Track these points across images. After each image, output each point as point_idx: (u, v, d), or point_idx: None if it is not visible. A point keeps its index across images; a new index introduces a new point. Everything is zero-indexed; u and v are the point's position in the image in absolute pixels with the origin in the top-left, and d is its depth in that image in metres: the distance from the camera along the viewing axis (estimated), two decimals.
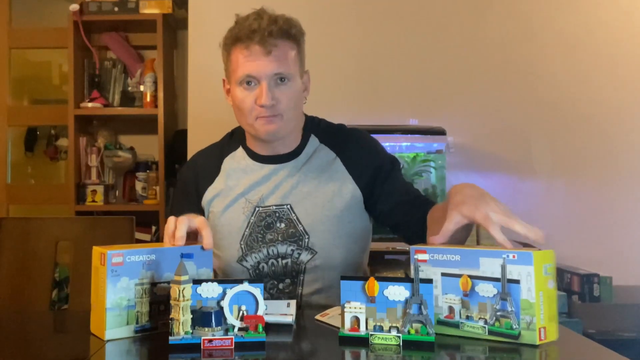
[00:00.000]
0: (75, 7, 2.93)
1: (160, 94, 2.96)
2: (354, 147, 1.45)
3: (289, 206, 1.39)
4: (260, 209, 1.40)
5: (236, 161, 1.46)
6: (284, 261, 1.39)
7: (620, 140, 2.85)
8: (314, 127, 1.47)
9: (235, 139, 1.50)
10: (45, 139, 3.40)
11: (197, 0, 2.98)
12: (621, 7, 2.89)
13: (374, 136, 1.52)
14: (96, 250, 1.04)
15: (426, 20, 2.91)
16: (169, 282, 1.02)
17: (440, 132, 2.59)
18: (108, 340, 1.00)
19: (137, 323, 1.03)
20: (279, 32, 1.30)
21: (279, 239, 1.38)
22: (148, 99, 2.98)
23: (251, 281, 0.98)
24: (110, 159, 3.03)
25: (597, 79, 2.86)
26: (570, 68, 2.87)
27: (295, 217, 1.38)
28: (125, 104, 3.07)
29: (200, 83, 2.95)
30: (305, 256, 1.38)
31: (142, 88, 3.03)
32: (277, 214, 1.39)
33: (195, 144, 2.87)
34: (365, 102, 2.85)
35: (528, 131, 2.88)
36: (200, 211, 1.45)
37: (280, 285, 1.40)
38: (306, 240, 1.37)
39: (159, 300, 1.05)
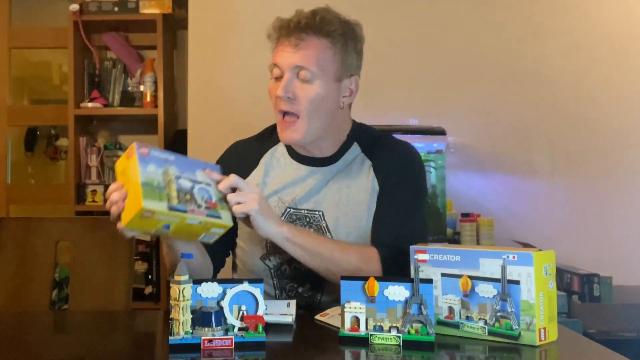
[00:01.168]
0: (75, 7, 2.92)
1: (160, 94, 2.96)
2: (388, 156, 1.39)
3: (320, 213, 1.35)
4: (292, 210, 1.36)
5: (275, 158, 1.42)
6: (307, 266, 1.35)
7: (620, 141, 2.85)
8: (360, 134, 1.42)
9: (276, 134, 1.42)
10: (45, 139, 3.39)
11: (197, 0, 2.97)
12: (622, 7, 2.89)
13: None
14: (121, 158, 1.08)
15: (426, 20, 2.91)
16: (190, 179, 1.09)
17: (440, 132, 2.59)
18: (145, 210, 1.00)
19: (169, 202, 1.04)
20: (309, 26, 1.28)
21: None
22: (148, 99, 2.97)
23: (251, 281, 0.98)
24: (110, 159, 3.03)
25: (598, 79, 2.86)
26: (570, 68, 2.87)
27: (325, 225, 1.34)
28: (125, 104, 3.07)
29: (200, 83, 2.94)
30: None
31: (142, 88, 3.02)
32: (307, 219, 1.35)
33: (195, 144, 2.87)
34: (366, 102, 2.83)
35: (528, 131, 2.88)
36: None
37: (300, 289, 1.37)
38: None
39: (185, 190, 1.07)
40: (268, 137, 1.46)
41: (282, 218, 1.35)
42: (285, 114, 1.31)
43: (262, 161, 1.42)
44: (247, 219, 1.17)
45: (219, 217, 1.11)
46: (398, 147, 1.42)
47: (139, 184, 1.01)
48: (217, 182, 1.15)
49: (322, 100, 1.31)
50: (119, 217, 1.05)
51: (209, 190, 1.13)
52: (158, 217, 1.02)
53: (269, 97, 1.36)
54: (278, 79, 1.31)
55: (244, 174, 1.40)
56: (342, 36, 1.31)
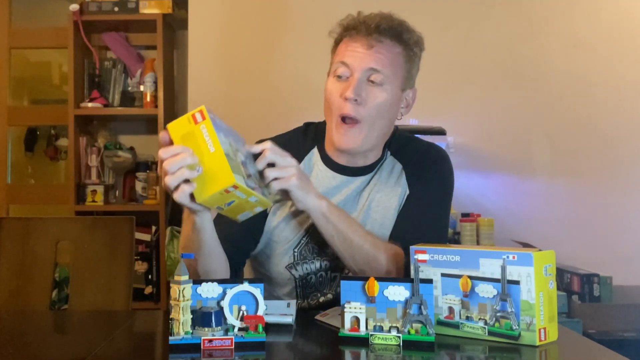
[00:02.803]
0: (75, 7, 2.92)
1: (160, 94, 2.96)
2: (418, 161, 1.34)
3: None
4: None
5: (311, 165, 1.35)
6: (334, 274, 1.32)
7: (620, 141, 2.85)
8: (392, 137, 1.36)
9: (309, 136, 1.38)
10: (45, 139, 3.39)
11: (197, 0, 2.97)
12: (622, 7, 2.89)
13: None
14: (180, 121, 0.97)
15: (426, 20, 2.89)
16: (241, 152, 1.02)
17: (440, 132, 2.60)
18: (234, 185, 0.93)
19: (243, 177, 0.99)
20: (389, 30, 1.24)
21: (335, 254, 1.28)
22: (148, 99, 2.97)
23: (251, 281, 0.98)
24: (110, 159, 3.03)
25: (597, 79, 2.86)
26: (570, 68, 2.87)
27: None
28: (125, 104, 3.07)
29: (200, 83, 2.94)
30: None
31: (142, 88, 3.02)
32: None
33: None
34: None
35: (528, 131, 2.88)
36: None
37: (322, 299, 1.34)
38: None
39: (244, 164, 1.02)
40: (302, 141, 1.38)
41: (313, 227, 1.28)
42: (345, 119, 1.24)
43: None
44: (285, 192, 1.11)
45: (265, 195, 1.06)
46: (428, 152, 1.37)
47: (224, 155, 0.93)
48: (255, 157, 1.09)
49: (389, 108, 1.26)
50: (177, 186, 0.96)
51: (253, 165, 1.07)
52: (237, 193, 0.96)
53: (325, 96, 1.27)
54: (342, 78, 1.25)
55: None
56: (414, 45, 1.29)
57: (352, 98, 1.22)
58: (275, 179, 1.08)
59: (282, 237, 1.32)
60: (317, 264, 1.32)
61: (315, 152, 1.36)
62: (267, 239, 1.33)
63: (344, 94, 1.22)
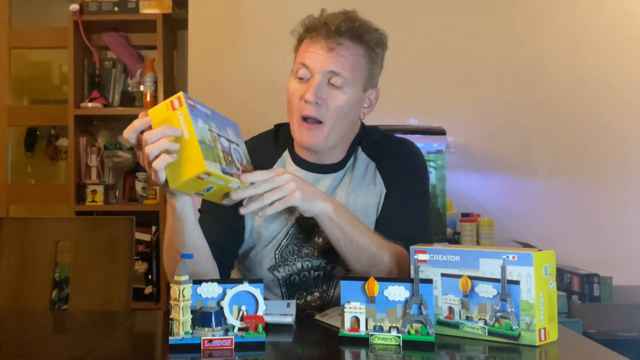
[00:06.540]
0: (75, 7, 2.93)
1: (160, 94, 2.96)
2: (391, 157, 1.35)
3: None
4: (302, 221, 1.31)
5: (284, 165, 1.35)
6: (316, 273, 1.33)
7: (620, 141, 2.85)
8: (363, 137, 1.37)
9: (280, 140, 1.38)
10: (45, 139, 3.39)
11: (197, 0, 2.98)
12: (622, 7, 2.89)
13: None
14: (159, 107, 0.97)
15: (426, 20, 2.91)
16: (227, 138, 1.03)
17: (440, 132, 2.60)
18: (206, 172, 0.93)
19: (220, 163, 0.98)
20: (350, 32, 1.23)
21: (315, 254, 1.31)
22: (148, 99, 2.97)
23: (251, 281, 0.98)
24: (110, 159, 3.03)
25: (597, 79, 2.86)
26: (570, 68, 2.87)
27: None
28: (125, 104, 3.07)
29: (200, 83, 2.94)
30: (339, 271, 1.32)
31: (142, 88, 3.03)
32: (317, 228, 1.28)
33: None
34: None
35: (528, 131, 2.88)
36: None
37: (309, 298, 1.35)
38: None
39: (226, 150, 1.02)
40: (272, 145, 1.38)
41: (292, 229, 1.31)
42: (307, 118, 1.24)
43: (275, 168, 1.31)
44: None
45: (252, 182, 1.06)
46: (400, 147, 1.38)
47: (197, 142, 0.93)
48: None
49: (349, 109, 1.26)
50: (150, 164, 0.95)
51: (239, 150, 1.07)
52: (211, 179, 0.96)
53: (287, 97, 1.28)
54: (303, 80, 1.25)
55: None
56: (375, 45, 1.28)
57: (312, 101, 1.22)
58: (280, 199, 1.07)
59: (262, 240, 1.32)
60: (299, 265, 1.32)
61: (286, 154, 1.37)
62: (252, 237, 1.33)
63: (304, 96, 1.23)
